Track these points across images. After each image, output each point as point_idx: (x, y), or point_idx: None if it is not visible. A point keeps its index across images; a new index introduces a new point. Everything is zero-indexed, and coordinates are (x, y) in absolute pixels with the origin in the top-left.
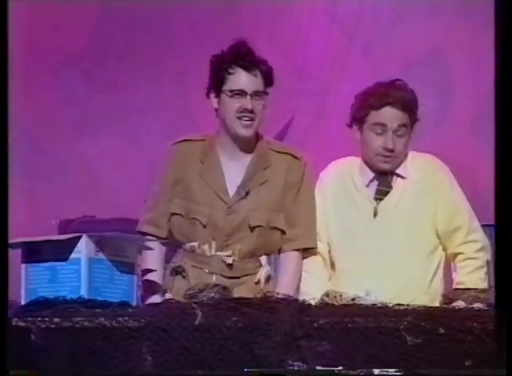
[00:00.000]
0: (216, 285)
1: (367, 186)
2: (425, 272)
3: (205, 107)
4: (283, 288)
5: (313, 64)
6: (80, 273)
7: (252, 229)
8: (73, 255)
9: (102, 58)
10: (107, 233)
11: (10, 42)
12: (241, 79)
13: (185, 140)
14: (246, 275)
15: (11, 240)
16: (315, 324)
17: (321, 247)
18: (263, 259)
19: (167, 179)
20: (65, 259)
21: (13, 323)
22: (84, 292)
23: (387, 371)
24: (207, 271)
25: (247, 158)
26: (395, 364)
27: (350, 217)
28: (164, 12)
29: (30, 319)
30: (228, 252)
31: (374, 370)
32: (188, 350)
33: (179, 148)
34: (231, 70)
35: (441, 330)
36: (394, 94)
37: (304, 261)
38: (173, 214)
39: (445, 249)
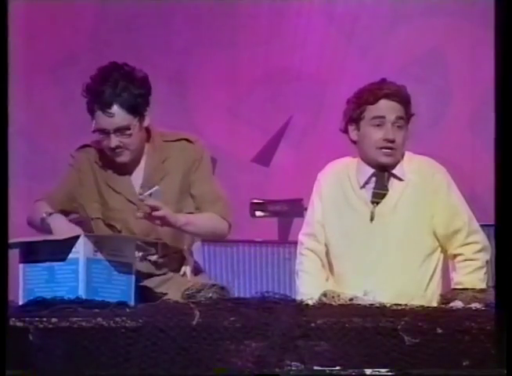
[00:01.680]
0: (214, 285)
1: (363, 187)
2: (422, 275)
3: (203, 108)
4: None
5: (311, 64)
6: (78, 273)
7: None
8: (71, 255)
9: (100, 58)
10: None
11: (9, 43)
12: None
13: (87, 146)
14: (172, 270)
15: (9, 241)
16: (313, 324)
17: (318, 247)
18: (185, 252)
19: (74, 182)
20: (63, 259)
21: (11, 323)
22: (81, 292)
23: (378, 371)
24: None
25: (144, 157)
26: (393, 364)
27: (347, 219)
28: (161, 12)
29: (27, 319)
30: (152, 251)
31: (366, 370)
32: (185, 350)
33: (84, 154)
34: None
35: (439, 331)
36: (389, 87)
37: (303, 261)
38: (93, 218)
39: (444, 250)
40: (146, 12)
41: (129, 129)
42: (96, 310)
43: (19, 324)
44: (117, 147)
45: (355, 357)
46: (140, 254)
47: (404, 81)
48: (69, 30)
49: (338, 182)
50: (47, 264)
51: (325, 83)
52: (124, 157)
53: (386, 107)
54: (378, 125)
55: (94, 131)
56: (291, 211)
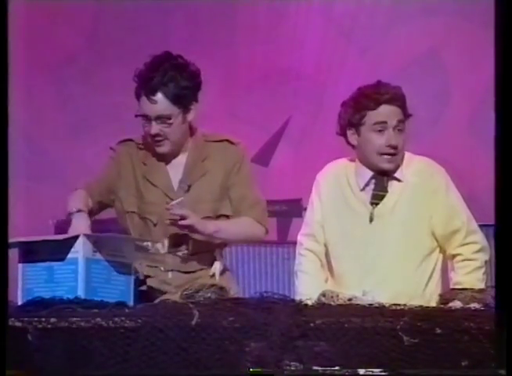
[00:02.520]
0: (213, 285)
1: (363, 189)
2: (421, 275)
3: (201, 107)
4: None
5: (310, 64)
6: (77, 273)
7: None
8: (70, 255)
9: (99, 58)
10: (104, 233)
11: (9, 43)
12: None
13: (128, 140)
14: (201, 269)
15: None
16: (312, 324)
17: (318, 248)
18: (217, 252)
19: (111, 175)
20: (62, 259)
21: (10, 323)
22: (81, 292)
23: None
24: (162, 269)
25: (185, 154)
26: (392, 364)
27: (346, 220)
28: (160, 12)
29: (26, 319)
30: (183, 247)
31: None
32: (184, 350)
33: (124, 149)
34: None
35: (438, 331)
36: (387, 91)
37: (302, 261)
38: (128, 212)
39: (443, 251)
40: (144, 12)
41: (170, 119)
42: (95, 310)
43: (18, 324)
44: (157, 135)
45: (354, 357)
46: (172, 249)
47: (403, 82)
48: (67, 30)
49: (337, 184)
50: (46, 264)
51: (324, 83)
52: (164, 148)
53: (387, 112)
54: (380, 131)
55: (137, 116)
56: (290, 211)
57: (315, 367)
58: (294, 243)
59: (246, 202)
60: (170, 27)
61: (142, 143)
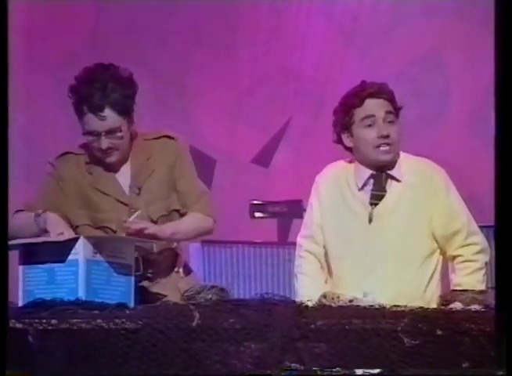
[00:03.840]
0: (213, 286)
1: (361, 189)
2: (421, 277)
3: (202, 107)
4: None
5: (311, 65)
6: (77, 275)
7: (155, 222)
8: (70, 257)
9: (100, 59)
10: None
11: (9, 43)
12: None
13: (68, 153)
14: (167, 267)
15: (9, 242)
16: (313, 326)
17: (317, 249)
18: (178, 249)
19: (54, 191)
20: (63, 261)
21: (11, 324)
22: (81, 294)
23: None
24: None
25: (130, 157)
26: (392, 366)
27: (345, 222)
28: (161, 13)
29: (27, 320)
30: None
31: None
32: (185, 352)
33: (65, 163)
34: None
35: (439, 332)
36: (371, 86)
37: (301, 263)
38: (78, 226)
39: (443, 252)
40: (145, 13)
41: (120, 131)
42: (96, 312)
43: (18, 326)
44: (108, 149)
45: (355, 358)
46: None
47: (403, 82)
48: (69, 30)
49: (336, 185)
50: (47, 265)
51: (324, 84)
52: (113, 158)
53: (373, 106)
54: (370, 125)
55: (85, 134)
56: (291, 212)
57: (315, 368)
58: (295, 244)
59: (192, 195)
60: (171, 27)
61: (83, 154)
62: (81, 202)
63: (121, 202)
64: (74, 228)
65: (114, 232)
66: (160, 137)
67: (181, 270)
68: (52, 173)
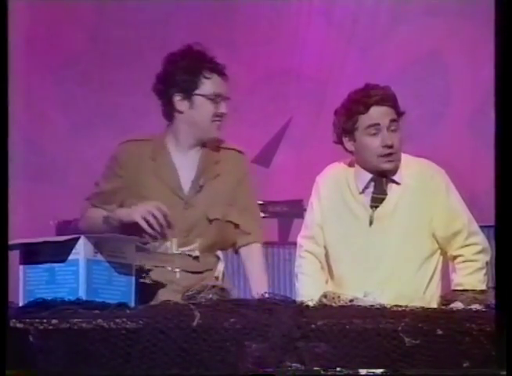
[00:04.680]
0: (214, 286)
1: (362, 192)
2: (421, 277)
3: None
4: (257, 284)
5: (311, 65)
6: (78, 275)
7: (211, 221)
8: (71, 257)
9: (99, 59)
10: (105, 234)
11: (9, 43)
12: (216, 83)
13: (130, 140)
14: (207, 270)
15: (9, 242)
16: (313, 326)
17: (317, 250)
18: (220, 254)
19: (116, 179)
20: (63, 260)
21: (11, 324)
22: (82, 293)
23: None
24: (169, 268)
25: (198, 154)
26: (393, 365)
27: (346, 223)
28: (161, 13)
29: (28, 320)
30: (192, 246)
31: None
32: (185, 351)
33: (125, 148)
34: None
35: (439, 332)
36: (376, 93)
37: (302, 263)
38: None
39: (443, 252)
40: (144, 13)
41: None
42: (96, 311)
43: (19, 325)
44: (223, 115)
45: (356, 358)
46: (181, 249)
47: (404, 82)
48: (68, 31)
49: (337, 186)
50: (47, 265)
51: (325, 83)
52: (218, 131)
53: (378, 114)
54: (374, 134)
55: (207, 97)
56: (291, 212)
57: (316, 368)
58: (295, 244)
59: (256, 220)
60: (170, 27)
61: (148, 140)
62: (136, 190)
63: (176, 195)
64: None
65: (160, 225)
66: (230, 148)
67: (220, 276)
68: (115, 157)
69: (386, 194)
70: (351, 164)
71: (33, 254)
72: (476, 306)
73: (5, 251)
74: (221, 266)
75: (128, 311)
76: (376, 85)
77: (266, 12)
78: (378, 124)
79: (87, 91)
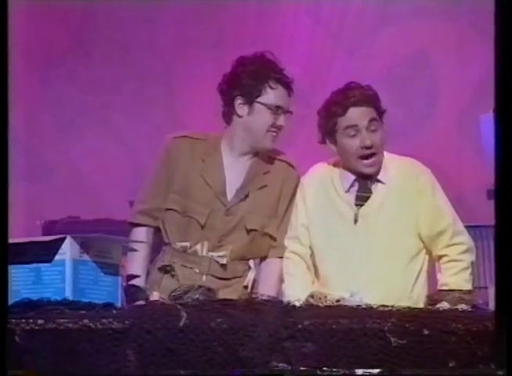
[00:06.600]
0: (200, 286)
1: (348, 191)
2: (408, 277)
3: (189, 107)
4: (267, 292)
5: (298, 66)
6: (64, 275)
7: (248, 231)
8: (57, 257)
9: (86, 59)
10: (92, 234)
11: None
12: (280, 95)
13: (185, 136)
14: (235, 277)
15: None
16: (300, 325)
17: (302, 250)
18: (251, 263)
19: (164, 172)
20: (49, 261)
21: None
22: (68, 294)
23: (370, 372)
24: (197, 271)
25: (248, 162)
26: (380, 365)
27: (331, 222)
28: (148, 13)
29: (14, 320)
30: (222, 253)
31: (357, 370)
32: (172, 352)
33: (179, 143)
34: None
35: (426, 332)
36: (353, 94)
37: (287, 264)
38: (168, 209)
39: (429, 252)
40: (131, 13)
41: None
42: (83, 311)
43: None
44: (281, 127)
45: (342, 358)
46: (211, 253)
47: (390, 82)
48: (55, 30)
49: (322, 186)
50: (33, 265)
51: (312, 84)
52: (272, 142)
53: (356, 115)
54: (353, 135)
55: (268, 106)
56: None
57: (302, 368)
58: None
59: (285, 228)
60: (157, 27)
61: (202, 139)
62: (181, 187)
63: (220, 199)
64: (164, 211)
65: (202, 226)
66: (282, 160)
67: (249, 285)
68: (166, 151)
69: (371, 192)
70: (336, 164)
71: (19, 254)
72: (462, 306)
73: (5, 251)
74: (251, 275)
75: (114, 311)
76: (356, 85)
77: (253, 12)
78: (356, 126)
79: (73, 90)
